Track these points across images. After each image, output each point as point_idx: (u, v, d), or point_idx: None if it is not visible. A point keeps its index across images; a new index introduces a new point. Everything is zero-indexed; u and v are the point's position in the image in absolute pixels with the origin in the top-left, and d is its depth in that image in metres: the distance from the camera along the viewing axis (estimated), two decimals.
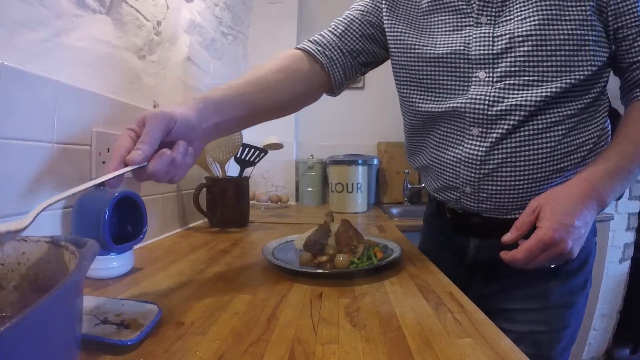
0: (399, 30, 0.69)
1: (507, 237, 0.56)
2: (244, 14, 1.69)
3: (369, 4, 0.72)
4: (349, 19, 0.72)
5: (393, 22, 0.69)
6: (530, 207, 0.56)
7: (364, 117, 1.93)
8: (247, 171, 1.16)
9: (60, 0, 0.60)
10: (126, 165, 0.41)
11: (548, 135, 0.59)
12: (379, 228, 1.11)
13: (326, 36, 0.72)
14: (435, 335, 0.40)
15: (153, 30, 0.90)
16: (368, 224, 1.22)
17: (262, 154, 1.17)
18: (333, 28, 0.73)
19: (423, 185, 1.80)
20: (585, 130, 0.60)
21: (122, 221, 0.64)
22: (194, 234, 0.98)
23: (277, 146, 1.22)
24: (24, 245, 0.34)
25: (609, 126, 0.63)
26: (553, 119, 0.58)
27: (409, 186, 1.79)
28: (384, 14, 0.70)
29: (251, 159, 1.16)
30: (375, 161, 1.78)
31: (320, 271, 0.60)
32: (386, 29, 0.70)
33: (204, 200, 1.05)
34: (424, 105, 0.67)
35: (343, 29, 0.72)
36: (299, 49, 0.71)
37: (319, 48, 0.70)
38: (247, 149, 1.15)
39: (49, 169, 0.58)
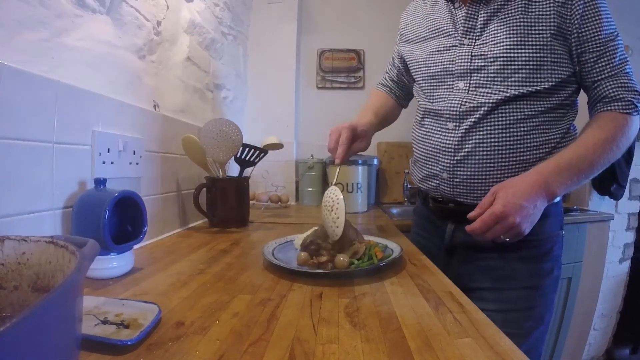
0: (412, 59, 0.90)
1: (471, 214, 0.68)
2: (244, 14, 1.69)
3: (396, 56, 1.01)
4: (393, 74, 1.05)
5: (408, 55, 0.91)
6: (491, 191, 0.68)
7: None
8: (247, 171, 1.16)
9: (60, 0, 0.60)
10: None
11: (512, 130, 0.72)
12: (379, 228, 1.11)
13: (388, 83, 1.08)
14: (435, 335, 0.40)
15: (153, 30, 0.90)
16: (368, 224, 1.22)
17: (262, 154, 1.17)
18: (390, 76, 1.08)
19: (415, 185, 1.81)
20: (549, 131, 0.72)
21: (122, 221, 0.64)
22: (194, 234, 0.98)
23: (277, 146, 1.23)
24: (24, 245, 0.34)
25: (575, 131, 0.75)
26: (516, 117, 0.71)
27: (409, 186, 1.79)
28: (403, 53, 0.94)
29: (251, 159, 1.16)
30: (375, 161, 1.78)
31: (320, 271, 0.60)
32: (406, 60, 0.93)
33: (204, 200, 1.05)
34: (422, 104, 0.86)
35: (394, 76, 1.05)
36: (381, 89, 1.10)
37: (388, 90, 1.08)
38: (247, 149, 1.15)
39: (49, 169, 0.58)
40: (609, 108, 0.70)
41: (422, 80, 0.85)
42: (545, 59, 0.69)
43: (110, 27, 0.74)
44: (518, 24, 0.70)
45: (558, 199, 0.77)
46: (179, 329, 0.41)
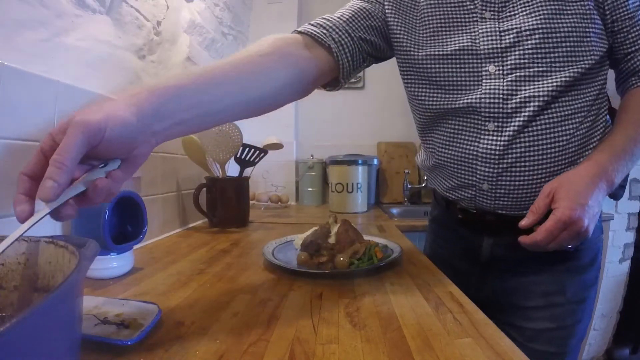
0: (404, 29, 0.69)
1: (524, 222, 0.57)
2: (244, 14, 1.69)
3: (372, 1, 0.70)
4: (355, 8, 0.69)
5: (397, 20, 0.69)
6: (543, 192, 0.58)
7: (364, 117, 1.93)
8: (247, 171, 1.16)
9: (60, 0, 0.60)
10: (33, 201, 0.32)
11: (562, 128, 0.60)
12: (379, 228, 1.11)
13: (332, 20, 0.67)
14: (435, 335, 0.40)
15: (153, 30, 0.90)
16: (368, 224, 1.22)
17: (262, 154, 1.17)
18: (339, 15, 0.69)
19: (423, 185, 1.81)
20: (595, 124, 0.63)
21: (122, 221, 0.64)
22: (194, 234, 0.98)
23: (277, 146, 1.23)
24: (24, 245, 0.34)
25: (609, 120, 0.66)
26: (565, 112, 0.60)
27: (409, 186, 1.79)
28: (387, 12, 0.69)
29: (251, 159, 1.16)
30: (375, 161, 1.78)
31: (320, 271, 0.60)
32: (390, 27, 0.69)
33: (204, 200, 1.05)
34: (434, 102, 0.67)
35: (350, 15, 0.68)
36: (299, 32, 0.64)
37: (324, 31, 0.65)
38: (247, 149, 1.15)
39: None
40: None
41: (429, 60, 0.66)
42: (588, 29, 0.59)
43: (110, 27, 0.74)
44: None
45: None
46: (179, 329, 0.41)
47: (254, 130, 1.72)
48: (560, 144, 0.61)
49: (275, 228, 1.08)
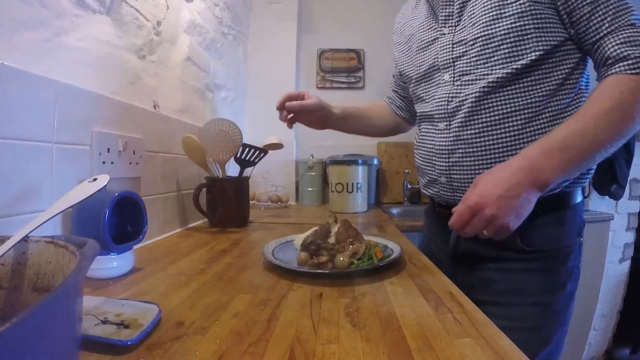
0: (401, 62, 0.87)
1: (455, 208, 0.60)
2: (244, 14, 1.69)
3: (395, 65, 0.95)
4: (393, 83, 1.04)
5: (398, 58, 0.88)
6: (473, 182, 0.60)
7: None
8: (247, 171, 1.16)
9: (61, 0, 0.60)
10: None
11: (506, 124, 0.64)
12: (379, 228, 1.11)
13: (395, 98, 1.05)
14: (435, 335, 0.40)
15: (153, 30, 0.90)
16: (368, 224, 1.22)
17: (262, 154, 1.17)
18: (391, 88, 1.06)
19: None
20: (554, 121, 0.62)
21: (122, 221, 0.64)
22: (194, 234, 0.98)
23: (277, 146, 1.23)
24: (24, 245, 0.34)
25: None
26: (508, 109, 0.64)
27: (409, 186, 1.79)
28: (396, 59, 0.90)
29: (251, 159, 1.16)
30: (375, 161, 1.78)
31: (320, 271, 0.60)
32: (397, 65, 0.90)
33: (204, 200, 1.05)
34: (419, 110, 0.83)
35: (394, 85, 1.04)
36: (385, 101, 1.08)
37: (390, 100, 1.06)
38: (247, 149, 1.15)
39: (49, 169, 0.58)
40: (613, 71, 0.57)
41: (414, 83, 0.81)
42: (528, 26, 0.60)
43: (110, 27, 0.74)
44: None
45: (580, 199, 0.69)
46: (179, 329, 0.41)
47: (254, 131, 1.72)
48: (506, 139, 0.64)
49: (275, 228, 1.08)
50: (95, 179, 0.37)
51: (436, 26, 0.73)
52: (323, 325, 0.43)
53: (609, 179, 1.68)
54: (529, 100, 0.63)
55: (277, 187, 1.69)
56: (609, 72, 0.58)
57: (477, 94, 0.66)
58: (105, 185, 0.37)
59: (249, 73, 1.79)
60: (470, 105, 0.66)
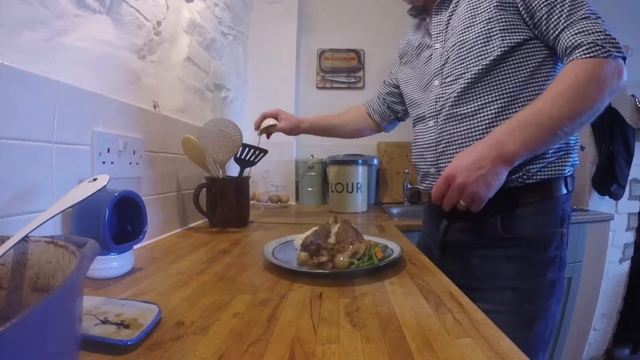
0: (404, 80, 0.97)
1: (435, 183, 0.68)
2: (244, 14, 1.69)
3: (392, 76, 1.10)
4: (384, 91, 1.14)
5: (402, 77, 0.99)
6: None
7: None
8: (247, 171, 1.16)
9: (60, 0, 0.60)
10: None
11: (482, 114, 0.72)
12: (379, 228, 1.11)
13: (375, 102, 1.16)
14: (435, 335, 0.40)
15: (153, 30, 0.90)
16: (368, 224, 1.22)
17: (262, 154, 1.17)
18: (377, 94, 1.16)
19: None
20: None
21: (122, 221, 0.64)
22: (194, 234, 0.98)
23: (273, 128, 1.17)
24: (24, 245, 0.34)
25: None
26: (484, 100, 0.72)
27: (409, 186, 1.79)
28: (399, 77, 1.02)
29: (251, 159, 1.16)
30: (375, 161, 1.78)
31: (320, 271, 0.60)
32: (400, 83, 1.01)
33: (204, 200, 1.05)
34: (413, 114, 0.94)
35: (383, 96, 1.14)
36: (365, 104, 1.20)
37: (367, 104, 1.20)
38: (247, 149, 1.15)
39: (49, 169, 0.58)
40: (570, 59, 0.63)
41: (413, 93, 0.92)
42: (494, 29, 0.70)
43: (110, 27, 0.74)
44: (466, 9, 0.75)
45: (563, 191, 0.73)
46: (179, 329, 0.41)
47: (254, 130, 1.72)
48: (483, 126, 0.72)
49: (275, 228, 1.08)
50: (95, 179, 0.37)
51: (430, 43, 0.85)
52: (323, 325, 0.43)
53: (609, 179, 1.68)
54: (501, 92, 0.71)
55: (277, 187, 1.69)
56: (567, 61, 0.65)
57: (458, 91, 0.75)
58: (105, 185, 0.37)
59: (249, 73, 1.79)
60: (452, 101, 0.76)
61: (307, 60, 1.94)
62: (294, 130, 1.14)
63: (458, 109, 0.76)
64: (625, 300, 1.88)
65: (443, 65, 0.79)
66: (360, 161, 1.52)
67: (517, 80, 0.71)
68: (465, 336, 0.40)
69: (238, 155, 1.14)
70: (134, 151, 0.79)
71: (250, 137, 1.26)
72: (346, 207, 1.47)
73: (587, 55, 0.61)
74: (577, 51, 0.63)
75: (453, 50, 0.76)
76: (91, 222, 0.56)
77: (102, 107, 0.70)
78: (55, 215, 0.34)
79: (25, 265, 0.33)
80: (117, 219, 0.63)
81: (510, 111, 0.71)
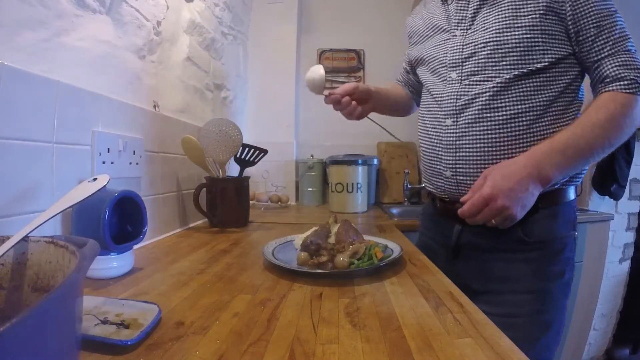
0: (416, 58, 0.91)
1: (464, 197, 0.68)
2: (244, 14, 1.69)
3: (406, 59, 1.03)
4: (404, 76, 1.08)
5: (414, 56, 0.93)
6: (482, 174, 0.68)
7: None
8: (247, 171, 1.16)
9: (61, 0, 0.60)
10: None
11: (512, 124, 0.70)
12: (379, 228, 1.11)
13: (402, 78, 1.09)
14: (435, 335, 0.40)
15: (153, 30, 0.90)
16: (368, 224, 1.22)
17: (262, 154, 1.17)
18: (402, 73, 1.09)
19: (423, 185, 1.81)
20: (554, 124, 0.69)
21: (122, 221, 0.64)
22: (194, 234, 0.98)
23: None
24: (24, 245, 0.34)
25: None
26: (515, 111, 0.69)
27: (409, 186, 1.79)
28: (411, 57, 0.95)
29: (251, 159, 1.16)
30: (375, 161, 1.78)
31: (320, 271, 0.60)
32: (412, 62, 0.95)
33: (204, 200, 1.05)
34: (424, 102, 0.87)
35: (405, 78, 1.08)
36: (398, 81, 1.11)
37: (402, 83, 1.09)
38: (247, 149, 1.15)
39: (49, 169, 0.58)
40: (610, 88, 0.66)
41: (424, 77, 0.87)
42: (537, 39, 0.67)
43: (110, 27, 0.74)
44: (507, 7, 0.69)
45: (573, 196, 0.75)
46: (179, 329, 0.41)
47: (254, 131, 1.72)
48: (511, 138, 0.70)
49: (275, 228, 1.08)
50: (95, 179, 0.37)
51: (448, 28, 0.79)
52: (323, 325, 0.43)
53: (609, 179, 1.68)
54: (534, 104, 0.69)
55: (277, 187, 1.69)
56: (606, 89, 0.66)
57: (488, 94, 0.71)
58: (105, 185, 0.37)
59: (249, 73, 1.79)
60: (481, 104, 0.71)
61: (307, 61, 1.94)
62: (367, 92, 0.95)
63: (488, 114, 0.71)
64: (625, 300, 1.88)
65: (466, 59, 0.74)
66: (360, 161, 1.52)
67: (549, 95, 0.69)
68: (465, 336, 0.40)
69: (238, 155, 1.14)
70: (134, 151, 0.79)
71: (250, 137, 1.27)
72: (346, 207, 1.47)
73: (627, 91, 0.64)
74: (617, 83, 0.65)
75: (485, 48, 0.71)
76: (91, 222, 0.56)
77: (102, 107, 0.70)
78: (55, 215, 0.34)
79: (25, 265, 0.33)
80: (117, 219, 0.63)
81: (540, 125, 0.69)
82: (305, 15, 1.91)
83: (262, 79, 1.79)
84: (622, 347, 1.88)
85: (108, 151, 0.70)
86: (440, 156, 0.78)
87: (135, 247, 0.65)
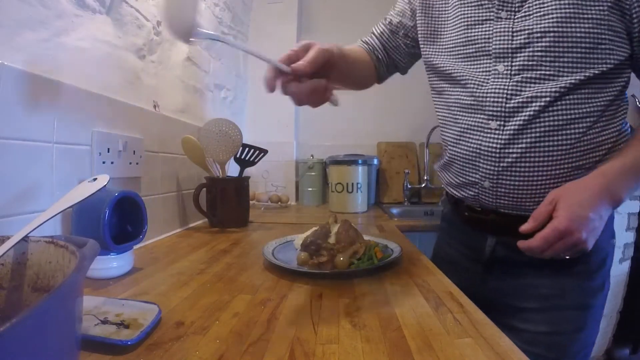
0: (430, 27, 0.75)
1: (525, 227, 0.58)
2: (244, 14, 1.69)
3: (406, 8, 0.83)
4: (385, 33, 0.87)
5: (424, 20, 0.76)
6: (547, 198, 0.58)
7: (364, 117, 1.93)
8: (247, 171, 1.16)
9: (61, 0, 0.60)
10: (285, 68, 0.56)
11: (567, 131, 0.60)
12: (379, 228, 1.11)
13: (374, 40, 0.88)
14: (435, 335, 0.40)
15: (153, 30, 0.90)
16: (368, 224, 1.22)
17: (262, 154, 1.17)
18: (379, 34, 0.88)
19: (423, 185, 1.81)
20: (605, 130, 0.61)
21: (122, 221, 0.64)
22: (194, 234, 0.98)
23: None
24: (24, 245, 0.34)
25: (628, 128, 0.64)
26: (571, 116, 0.59)
27: (409, 186, 1.79)
28: (417, 14, 0.78)
29: (251, 159, 1.16)
30: (375, 161, 1.78)
31: (320, 271, 0.60)
32: (418, 27, 0.78)
33: (204, 200, 1.05)
34: (449, 97, 0.71)
35: (387, 36, 0.87)
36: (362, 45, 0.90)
37: (370, 48, 0.88)
38: (247, 149, 1.15)
39: (49, 169, 0.58)
40: None
41: (446, 62, 0.71)
42: (603, 35, 0.57)
43: (110, 27, 0.74)
44: None
45: None
46: (179, 329, 0.41)
47: (254, 130, 1.72)
48: (564, 147, 0.60)
49: (275, 228, 1.08)
50: (95, 179, 0.37)
51: (489, 5, 0.64)
52: (323, 325, 0.43)
53: None
54: (589, 109, 0.60)
55: (277, 187, 1.69)
56: None
57: (547, 99, 0.59)
58: (105, 185, 0.37)
59: (249, 73, 1.79)
60: (536, 108, 0.60)
61: None
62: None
63: (542, 119, 0.60)
64: (625, 300, 1.88)
65: (517, 49, 0.61)
66: (360, 161, 1.52)
67: (604, 100, 0.60)
68: (465, 336, 0.40)
69: (238, 155, 1.14)
70: (134, 151, 0.79)
71: (250, 137, 1.27)
72: (346, 207, 1.47)
73: None
74: None
75: (543, 39, 0.59)
76: (91, 222, 0.56)
77: (102, 107, 0.70)
78: (55, 215, 0.34)
79: (25, 265, 0.33)
80: (117, 219, 0.63)
81: (593, 133, 0.60)
82: (305, 15, 1.91)
83: (262, 79, 1.78)
84: (622, 347, 1.88)
85: (108, 151, 0.70)
86: (477, 163, 0.66)
87: (135, 247, 0.65)
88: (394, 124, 1.92)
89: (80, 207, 0.59)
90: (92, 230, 0.56)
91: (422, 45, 0.77)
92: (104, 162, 0.69)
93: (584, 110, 0.60)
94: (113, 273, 0.59)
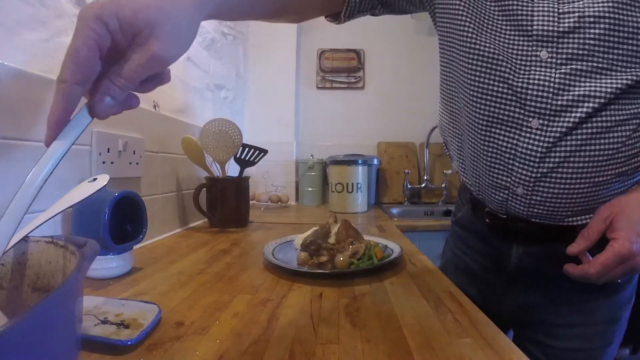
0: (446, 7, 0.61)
1: (574, 248, 0.52)
2: None
3: None
4: None
5: None
6: (600, 215, 0.51)
7: (364, 117, 1.94)
8: (247, 171, 1.16)
9: (60, 0, 0.60)
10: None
11: (613, 134, 0.52)
12: (379, 228, 1.11)
13: None
14: (435, 335, 0.40)
15: None
16: (368, 224, 1.22)
17: (262, 154, 1.17)
18: None
19: (423, 185, 1.81)
20: None
21: (122, 221, 0.64)
22: (194, 234, 0.98)
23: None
24: (24, 245, 0.34)
25: None
26: (620, 117, 0.51)
27: (409, 186, 1.79)
28: None
29: (251, 159, 1.16)
30: (375, 161, 1.78)
31: (320, 271, 0.60)
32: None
33: (204, 200, 1.05)
34: (473, 78, 0.57)
35: None
36: None
37: None
38: (247, 149, 1.15)
39: None
40: None
41: (480, 33, 0.56)
42: None
43: None
44: None
45: None
46: (179, 329, 0.41)
47: (254, 130, 1.72)
48: (609, 152, 0.52)
49: (275, 228, 1.08)
50: (95, 179, 0.37)
51: None
52: (323, 325, 0.43)
53: None
54: (631, 112, 0.52)
55: (277, 187, 1.69)
56: None
57: (600, 97, 0.50)
58: (105, 185, 0.37)
59: (249, 73, 1.79)
60: (588, 108, 0.51)
61: (307, 60, 1.94)
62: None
63: (594, 121, 0.52)
64: None
65: (564, 34, 0.51)
66: (360, 161, 1.52)
67: None
68: (465, 336, 0.40)
69: (238, 155, 1.14)
70: (134, 151, 0.79)
71: (250, 137, 1.27)
72: (346, 207, 1.47)
73: None
74: None
75: (596, 24, 0.49)
76: (91, 222, 0.56)
77: None
78: (55, 215, 0.34)
79: (25, 265, 0.33)
80: (117, 219, 0.63)
81: (635, 139, 0.53)
82: None
83: (262, 79, 1.79)
84: (622, 347, 1.88)
85: (108, 151, 0.70)
86: (511, 167, 0.57)
87: (135, 247, 0.65)
88: (394, 124, 1.92)
89: (80, 207, 0.59)
90: (92, 230, 0.56)
91: (438, 10, 0.62)
92: (104, 162, 0.69)
93: (632, 111, 0.52)
94: (113, 273, 0.59)
